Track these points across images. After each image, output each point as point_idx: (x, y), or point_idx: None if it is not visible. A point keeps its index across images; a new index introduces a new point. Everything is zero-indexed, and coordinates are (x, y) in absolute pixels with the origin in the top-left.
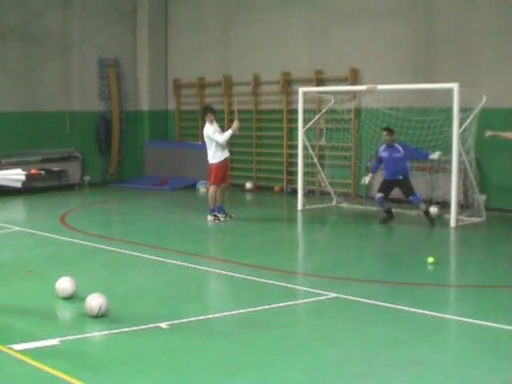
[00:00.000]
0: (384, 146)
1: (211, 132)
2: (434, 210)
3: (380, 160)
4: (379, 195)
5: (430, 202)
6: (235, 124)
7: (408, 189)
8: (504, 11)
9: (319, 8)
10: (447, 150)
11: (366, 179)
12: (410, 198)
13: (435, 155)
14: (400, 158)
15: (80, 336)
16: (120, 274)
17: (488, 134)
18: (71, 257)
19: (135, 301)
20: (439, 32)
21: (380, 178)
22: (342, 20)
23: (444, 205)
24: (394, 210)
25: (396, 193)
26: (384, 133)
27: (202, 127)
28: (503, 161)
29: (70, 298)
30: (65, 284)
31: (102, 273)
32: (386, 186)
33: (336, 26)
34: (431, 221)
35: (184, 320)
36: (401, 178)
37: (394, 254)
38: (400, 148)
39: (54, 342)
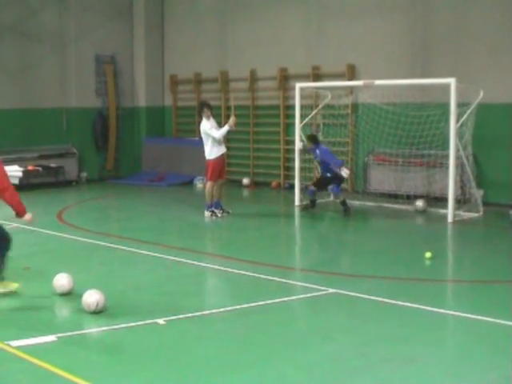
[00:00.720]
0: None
1: (208, 128)
2: (419, 204)
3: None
4: (312, 188)
5: (426, 197)
6: (231, 120)
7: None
8: (501, 7)
9: (316, 4)
10: (444, 145)
11: (301, 144)
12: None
13: (344, 172)
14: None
15: (77, 332)
16: (117, 270)
17: None
18: (68, 253)
19: (132, 297)
20: (436, 27)
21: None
22: (338, 16)
23: (441, 200)
24: (390, 206)
25: (389, 188)
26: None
27: (199, 123)
28: (500, 156)
29: (67, 294)
30: (62, 280)
31: (100, 269)
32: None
33: (333, 21)
34: (346, 210)
35: (181, 316)
36: (328, 175)
37: (391, 250)
38: (318, 153)
39: (52, 338)
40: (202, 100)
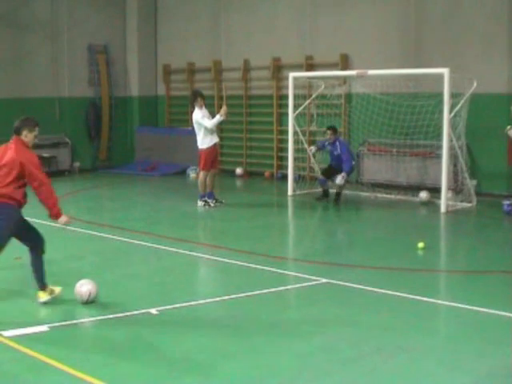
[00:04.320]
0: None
1: (200, 117)
2: (423, 195)
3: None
4: (322, 177)
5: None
6: (223, 109)
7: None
8: None
9: None
10: (438, 136)
11: (313, 148)
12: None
13: (339, 180)
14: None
15: (69, 322)
16: (110, 260)
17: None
18: (61, 243)
19: (125, 287)
20: (429, 17)
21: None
22: (332, 5)
23: (434, 190)
24: (384, 196)
25: (383, 178)
26: (328, 131)
27: (192, 113)
28: (493, 146)
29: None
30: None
31: (92, 259)
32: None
33: (326, 11)
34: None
35: (174, 306)
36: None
37: (384, 240)
38: (337, 145)
39: (44, 328)
40: (195, 89)
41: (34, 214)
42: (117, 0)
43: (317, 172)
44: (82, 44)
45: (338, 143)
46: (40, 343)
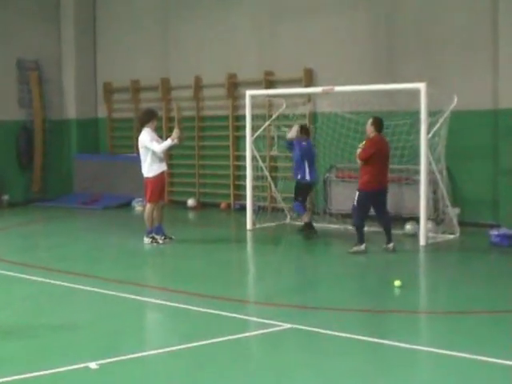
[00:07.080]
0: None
1: (148, 140)
2: (409, 227)
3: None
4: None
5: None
6: (175, 133)
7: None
8: (470, 3)
9: (268, 2)
10: (415, 159)
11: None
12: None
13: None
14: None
15: None
16: (44, 307)
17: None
18: None
19: (61, 338)
20: (402, 26)
21: None
22: (293, 15)
23: (412, 220)
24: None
25: None
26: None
27: (137, 137)
28: (477, 169)
29: None
30: None
31: (24, 306)
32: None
33: (287, 21)
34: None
35: (118, 358)
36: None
37: (355, 278)
38: (304, 145)
39: None
40: (149, 108)
41: None
42: (50, 9)
43: (279, 202)
44: (11, 59)
45: (304, 143)
46: None
